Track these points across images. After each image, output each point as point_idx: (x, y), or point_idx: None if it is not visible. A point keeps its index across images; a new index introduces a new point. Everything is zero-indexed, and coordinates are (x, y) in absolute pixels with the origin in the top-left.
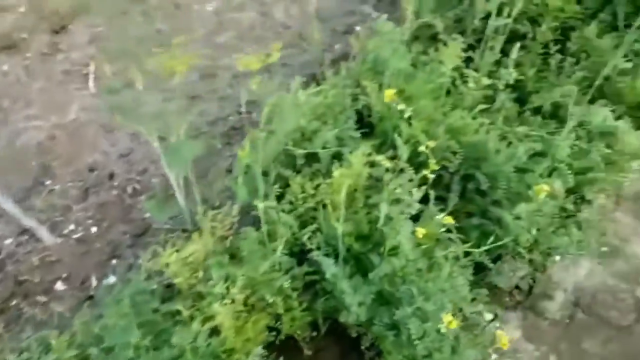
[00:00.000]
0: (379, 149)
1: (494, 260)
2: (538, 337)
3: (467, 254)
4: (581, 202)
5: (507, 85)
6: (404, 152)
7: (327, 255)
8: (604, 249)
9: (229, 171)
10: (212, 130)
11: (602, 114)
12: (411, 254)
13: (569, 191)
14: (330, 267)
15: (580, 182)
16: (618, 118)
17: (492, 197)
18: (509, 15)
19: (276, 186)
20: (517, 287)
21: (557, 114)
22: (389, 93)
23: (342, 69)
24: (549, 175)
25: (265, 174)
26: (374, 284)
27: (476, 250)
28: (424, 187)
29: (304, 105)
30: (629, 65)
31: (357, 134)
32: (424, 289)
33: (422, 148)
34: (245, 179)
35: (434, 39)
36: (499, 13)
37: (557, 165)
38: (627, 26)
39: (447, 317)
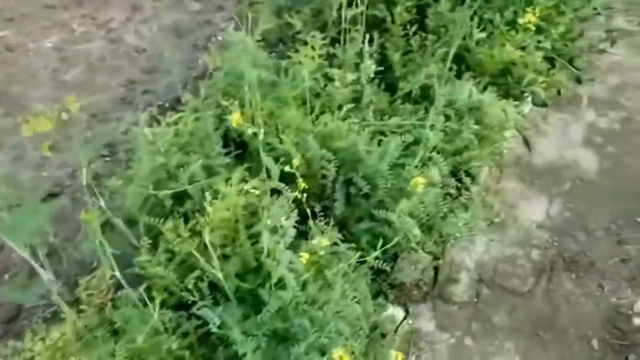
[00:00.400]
0: (255, 172)
1: (394, 258)
2: (451, 323)
3: (363, 261)
4: (466, 182)
5: (375, 75)
6: (275, 172)
7: (215, 301)
8: (497, 219)
9: (106, 224)
10: (74, 182)
11: (467, 89)
12: (296, 284)
13: (453, 173)
14: (214, 320)
15: (459, 163)
16: (484, 89)
17: (375, 198)
18: (362, 2)
19: (147, 237)
20: (422, 278)
21: (427, 96)
22: (236, 117)
23: (202, 89)
24: (424, 165)
25: (135, 223)
26: (266, 324)
27: (369, 257)
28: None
29: (159, 139)
30: (483, 35)
31: (226, 160)
32: (317, 319)
33: (287, 168)
34: (111, 236)
35: (294, 39)
36: (351, 2)
37: (429, 155)
38: None
39: (337, 353)
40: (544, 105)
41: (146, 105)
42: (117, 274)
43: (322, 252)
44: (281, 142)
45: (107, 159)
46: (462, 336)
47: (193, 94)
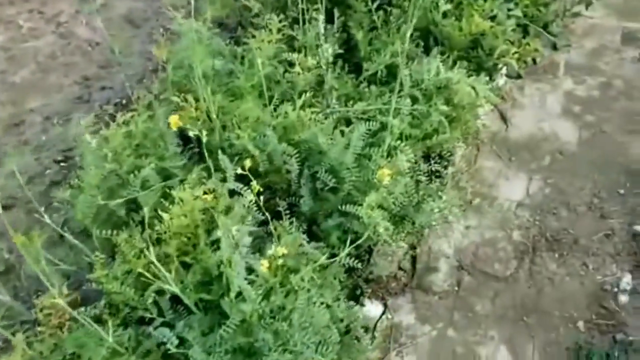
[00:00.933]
0: (212, 173)
1: (369, 251)
2: (432, 315)
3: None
4: (439, 166)
5: (340, 55)
6: (230, 172)
7: (178, 314)
8: (475, 201)
9: (62, 237)
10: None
11: (434, 67)
12: (256, 295)
13: (426, 156)
14: (171, 340)
15: (429, 148)
16: (454, 65)
17: (342, 191)
18: None
19: (103, 249)
20: (400, 268)
21: (395, 75)
22: (174, 119)
23: (155, 85)
24: (390, 154)
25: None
26: (228, 339)
27: (340, 256)
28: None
29: (110, 142)
30: (449, 6)
31: (183, 161)
32: (282, 331)
33: (241, 170)
34: (64, 251)
35: (253, 23)
36: None
37: (394, 144)
38: None
39: None
40: (519, 77)
41: (104, 102)
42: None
43: (280, 262)
44: (238, 137)
45: (62, 164)
46: (444, 327)
47: (149, 88)
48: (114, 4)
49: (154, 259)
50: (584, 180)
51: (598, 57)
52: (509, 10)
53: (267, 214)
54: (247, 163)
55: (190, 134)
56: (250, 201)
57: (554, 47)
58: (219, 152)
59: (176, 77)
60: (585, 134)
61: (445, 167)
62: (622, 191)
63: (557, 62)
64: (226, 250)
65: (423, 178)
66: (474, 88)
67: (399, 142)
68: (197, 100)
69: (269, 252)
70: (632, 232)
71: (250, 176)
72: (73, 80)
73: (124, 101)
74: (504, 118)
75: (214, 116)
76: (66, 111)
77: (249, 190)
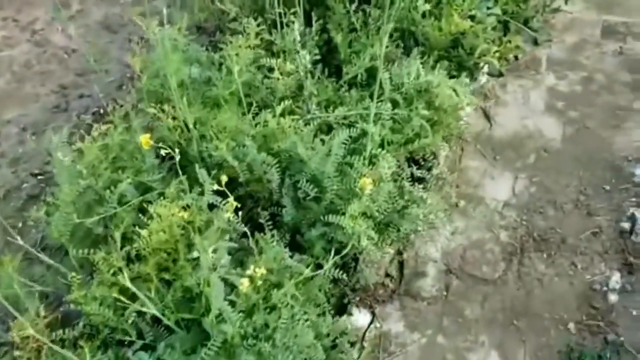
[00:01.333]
0: (193, 182)
1: (355, 259)
2: (421, 321)
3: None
4: (423, 168)
5: (320, 58)
6: (207, 186)
7: (157, 335)
8: (462, 202)
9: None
10: (4, 208)
11: (414, 69)
12: (237, 315)
13: (411, 159)
14: None
15: (411, 153)
16: (434, 66)
17: (325, 200)
18: None
19: (82, 268)
20: (387, 275)
21: (375, 77)
22: (145, 139)
23: (132, 94)
24: (372, 162)
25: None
26: None
27: (324, 269)
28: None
29: (86, 156)
30: (428, 7)
31: (160, 175)
32: (265, 352)
33: (216, 186)
34: (41, 271)
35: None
36: None
37: (375, 152)
38: None
39: None
40: (500, 75)
41: (82, 111)
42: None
43: (262, 279)
44: (217, 148)
45: (40, 177)
46: (434, 334)
47: (126, 98)
48: (90, 10)
49: (129, 284)
50: (569, 178)
51: (579, 51)
52: (489, 8)
53: (247, 230)
54: (224, 178)
55: (162, 152)
56: (229, 217)
57: (535, 43)
58: (197, 165)
59: (152, 87)
60: (569, 130)
61: (429, 169)
62: (607, 187)
63: (538, 58)
64: (204, 271)
65: (406, 183)
66: (455, 91)
67: (380, 149)
68: (174, 109)
69: (248, 272)
70: (619, 229)
71: (227, 192)
72: (50, 89)
73: (102, 110)
74: (487, 116)
75: (191, 126)
76: (44, 121)
77: (229, 203)
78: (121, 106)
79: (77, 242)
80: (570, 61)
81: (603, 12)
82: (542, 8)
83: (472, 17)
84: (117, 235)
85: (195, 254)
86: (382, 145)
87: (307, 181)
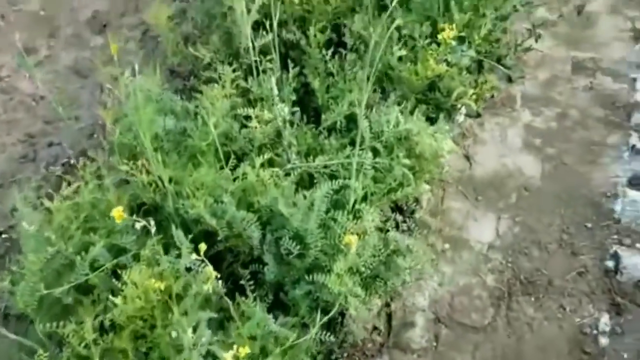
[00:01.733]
0: (169, 244)
1: (341, 314)
2: None
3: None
4: (406, 213)
5: (298, 101)
6: (185, 250)
7: None
8: (446, 246)
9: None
10: None
11: (393, 117)
12: None
13: (395, 205)
14: None
15: (394, 202)
16: (412, 110)
17: (309, 257)
18: (271, 26)
19: (50, 342)
20: (375, 328)
21: (355, 121)
22: (117, 213)
23: (103, 147)
24: (355, 216)
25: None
26: None
27: (310, 334)
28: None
29: (55, 217)
30: (404, 52)
31: (134, 236)
32: None
33: (195, 256)
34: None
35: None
36: (258, 25)
37: (358, 207)
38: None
39: None
40: (478, 115)
41: (51, 160)
42: None
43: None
44: (193, 206)
45: (4, 235)
46: None
47: (98, 151)
48: (59, 54)
49: None
50: (551, 216)
51: (552, 87)
52: (463, 51)
53: (228, 291)
54: (202, 247)
55: (139, 226)
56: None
57: (509, 80)
58: (173, 226)
59: (126, 140)
60: (547, 167)
61: (412, 214)
62: (589, 225)
63: (513, 95)
64: (185, 352)
65: (391, 233)
66: (435, 139)
67: (363, 203)
68: (148, 162)
69: (231, 352)
70: (604, 268)
71: (207, 262)
72: (17, 139)
73: (72, 161)
74: (466, 156)
75: (166, 184)
76: (10, 172)
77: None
78: (92, 161)
79: (45, 312)
80: (544, 97)
81: (571, 49)
82: (514, 46)
83: (446, 61)
84: (89, 303)
85: (174, 334)
86: (365, 197)
87: (289, 238)
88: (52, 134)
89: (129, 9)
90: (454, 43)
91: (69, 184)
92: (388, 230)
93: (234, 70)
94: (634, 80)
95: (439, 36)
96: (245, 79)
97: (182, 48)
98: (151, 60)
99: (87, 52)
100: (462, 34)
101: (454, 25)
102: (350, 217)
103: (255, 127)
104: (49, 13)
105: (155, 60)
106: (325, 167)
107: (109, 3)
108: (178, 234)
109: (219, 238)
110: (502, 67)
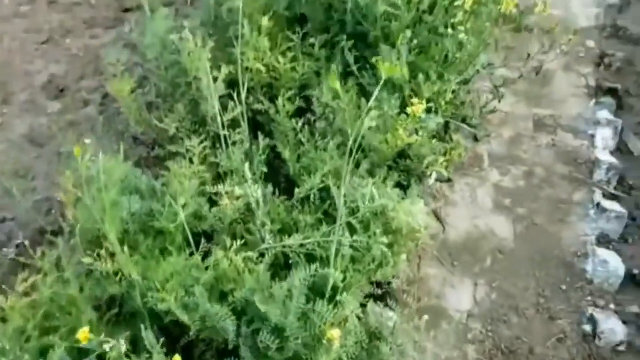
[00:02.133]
0: (138, 340)
1: None
2: None
3: None
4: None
5: (270, 172)
6: (156, 353)
7: None
8: (425, 317)
9: None
10: None
11: (368, 191)
12: None
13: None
14: None
15: (377, 281)
16: (385, 179)
17: (289, 350)
18: (239, 95)
19: None
20: None
21: (328, 192)
22: (84, 335)
23: (62, 227)
24: (336, 306)
25: None
26: None
27: None
28: None
29: (9, 321)
30: (374, 123)
31: (100, 334)
32: None
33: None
34: None
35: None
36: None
37: (339, 299)
38: (361, 69)
39: None
40: (449, 180)
41: (4, 240)
42: None
43: None
44: (163, 300)
45: None
46: None
47: (57, 224)
48: (13, 122)
49: None
50: (526, 279)
51: (517, 145)
52: (431, 119)
53: None
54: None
55: (108, 347)
56: None
57: (475, 139)
58: (143, 326)
59: (88, 225)
60: (519, 227)
61: (389, 284)
62: (564, 287)
63: (480, 154)
64: None
65: (370, 306)
66: (411, 216)
67: (344, 294)
68: (112, 255)
69: None
70: (582, 332)
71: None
72: None
73: (27, 242)
74: (439, 219)
75: (133, 276)
76: None
77: None
78: (51, 245)
79: None
80: (510, 156)
81: (532, 106)
82: (480, 109)
83: (416, 130)
84: None
85: None
86: (344, 279)
87: (267, 333)
88: (6, 208)
89: (88, 72)
90: (423, 116)
91: (24, 267)
92: (365, 306)
93: (201, 142)
94: (592, 136)
95: (409, 109)
96: (214, 147)
97: (146, 116)
98: (112, 127)
99: (44, 119)
100: (430, 104)
101: (424, 101)
102: (331, 307)
103: (226, 205)
104: (2, 78)
105: (117, 127)
106: (302, 245)
107: (67, 66)
108: (148, 335)
109: (191, 332)
110: (467, 127)
